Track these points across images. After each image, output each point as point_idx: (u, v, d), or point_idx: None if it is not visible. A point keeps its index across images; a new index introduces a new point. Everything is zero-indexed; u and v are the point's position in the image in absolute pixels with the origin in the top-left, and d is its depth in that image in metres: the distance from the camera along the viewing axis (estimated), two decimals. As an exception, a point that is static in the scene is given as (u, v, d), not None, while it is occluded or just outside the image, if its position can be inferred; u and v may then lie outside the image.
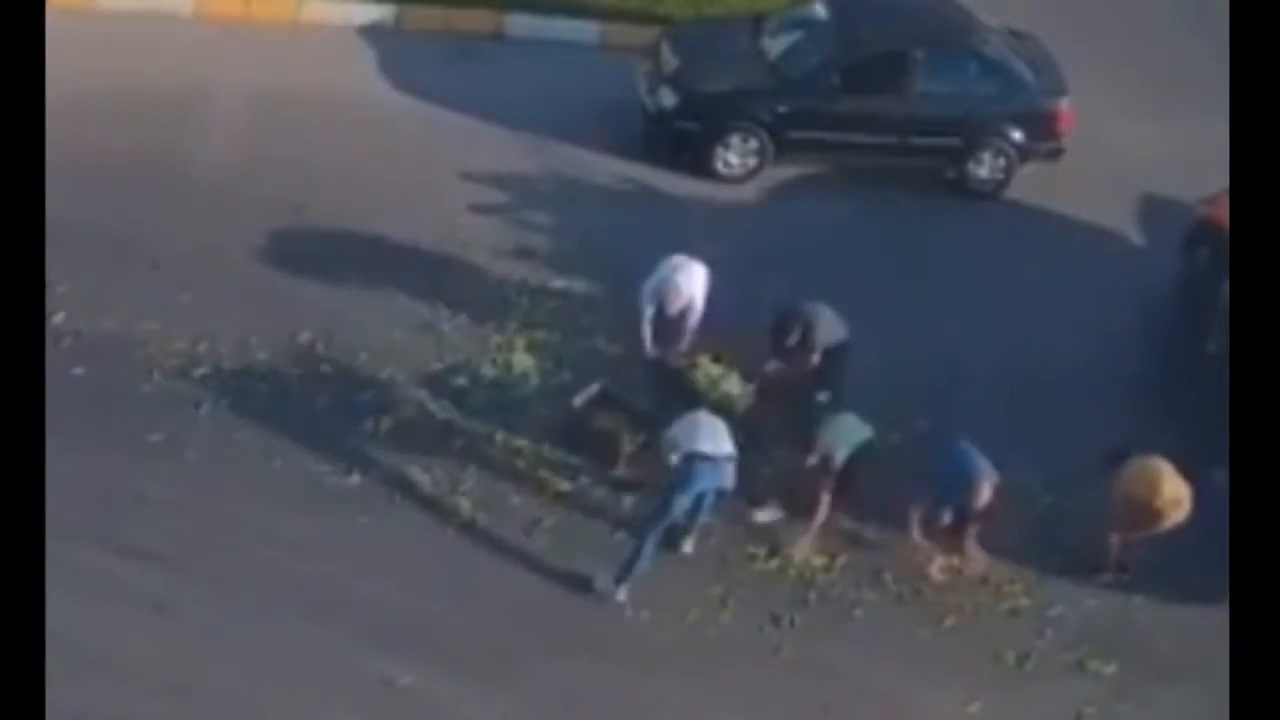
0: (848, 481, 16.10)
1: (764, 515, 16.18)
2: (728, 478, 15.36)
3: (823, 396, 16.68)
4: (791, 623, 15.44)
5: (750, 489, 16.17)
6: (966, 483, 15.70)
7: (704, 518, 15.66)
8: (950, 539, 16.04)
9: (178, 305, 17.15)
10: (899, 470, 16.02)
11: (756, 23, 21.12)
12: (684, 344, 17.13)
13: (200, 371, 16.61)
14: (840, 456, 15.91)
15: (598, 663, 14.80)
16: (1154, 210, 20.65)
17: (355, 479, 15.91)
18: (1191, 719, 15.26)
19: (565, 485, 16.21)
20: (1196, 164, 19.54)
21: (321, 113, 19.94)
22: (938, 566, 16.02)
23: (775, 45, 20.67)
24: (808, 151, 20.46)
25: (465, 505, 15.84)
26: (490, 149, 20.00)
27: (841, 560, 16.02)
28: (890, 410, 16.73)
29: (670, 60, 20.43)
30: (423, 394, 16.80)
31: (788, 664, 15.11)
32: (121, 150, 18.77)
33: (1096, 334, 18.76)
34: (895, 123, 20.34)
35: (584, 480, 16.27)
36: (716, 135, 20.13)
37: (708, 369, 16.97)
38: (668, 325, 17.08)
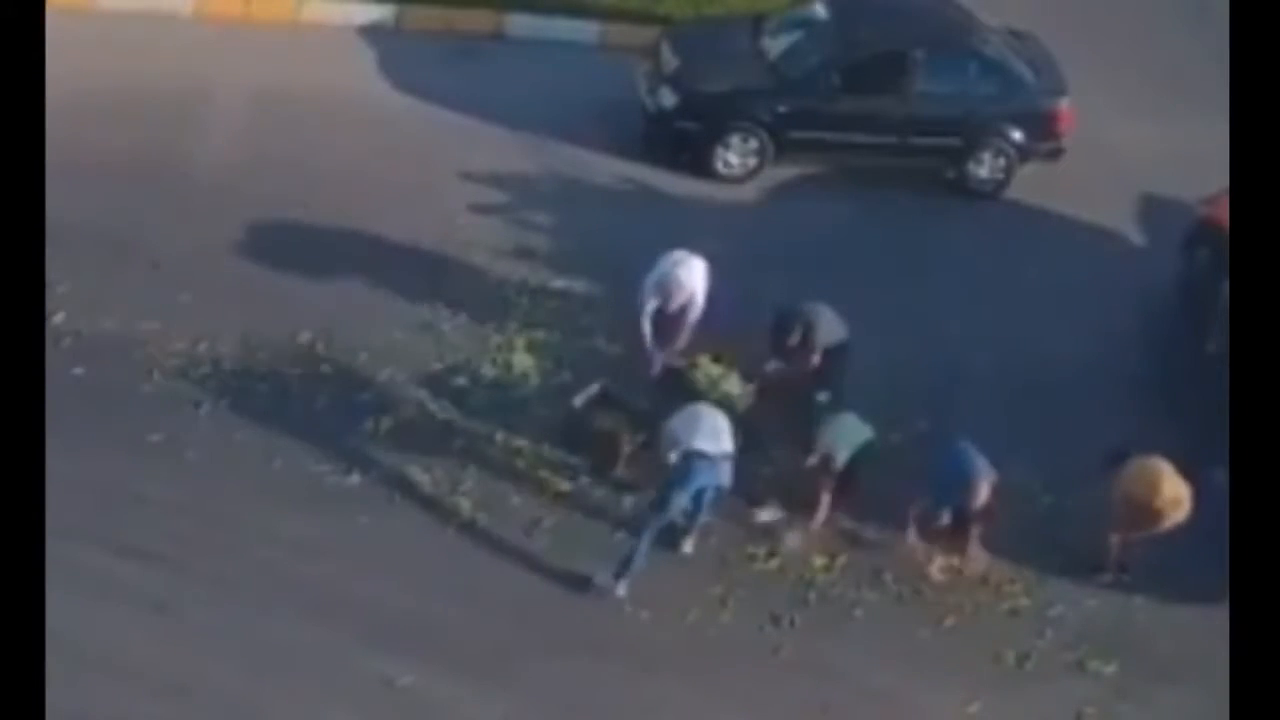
0: (848, 482, 16.12)
1: (764, 515, 16.18)
2: (725, 476, 15.38)
3: (823, 396, 16.68)
4: (791, 623, 15.44)
5: (750, 489, 16.20)
6: (964, 483, 15.70)
7: (704, 517, 15.67)
8: (950, 539, 16.04)
9: (178, 305, 17.15)
10: (899, 470, 16.03)
11: (756, 23, 21.12)
12: (683, 339, 17.12)
13: (200, 371, 16.61)
14: (841, 457, 15.92)
15: (598, 663, 14.80)
16: (1154, 210, 20.65)
17: (355, 479, 15.91)
18: (1191, 719, 15.27)
19: (565, 485, 16.21)
20: (1196, 164, 19.53)
21: (321, 113, 19.94)
22: (938, 566, 16.03)
23: (775, 45, 20.67)
24: (808, 151, 20.46)
25: (465, 505, 15.84)
26: (490, 149, 20.00)
27: (841, 560, 16.03)
28: (890, 410, 16.73)
29: (670, 60, 20.43)
30: (423, 394, 16.80)
31: (788, 664, 15.11)
32: (121, 150, 18.77)
33: (1096, 334, 18.76)
34: (895, 123, 20.34)
35: (584, 480, 16.28)
36: (716, 135, 20.13)
37: (708, 369, 16.97)
38: (668, 321, 17.06)
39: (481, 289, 18.07)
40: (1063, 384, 18.09)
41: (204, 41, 20.61)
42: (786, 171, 20.44)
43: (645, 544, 15.24)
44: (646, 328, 16.99)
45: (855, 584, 15.87)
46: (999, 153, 20.68)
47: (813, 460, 15.91)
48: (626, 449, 16.30)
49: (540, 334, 17.63)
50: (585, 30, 22.08)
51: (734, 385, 16.86)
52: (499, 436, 16.52)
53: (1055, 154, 20.84)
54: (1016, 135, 20.61)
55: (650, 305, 16.95)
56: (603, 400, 16.67)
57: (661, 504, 15.31)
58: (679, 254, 17.05)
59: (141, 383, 16.41)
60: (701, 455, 15.21)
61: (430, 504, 15.83)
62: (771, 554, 15.92)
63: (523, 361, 17.30)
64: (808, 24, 20.83)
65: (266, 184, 18.77)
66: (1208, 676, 14.99)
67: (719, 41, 21.07)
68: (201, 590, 14.65)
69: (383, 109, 20.36)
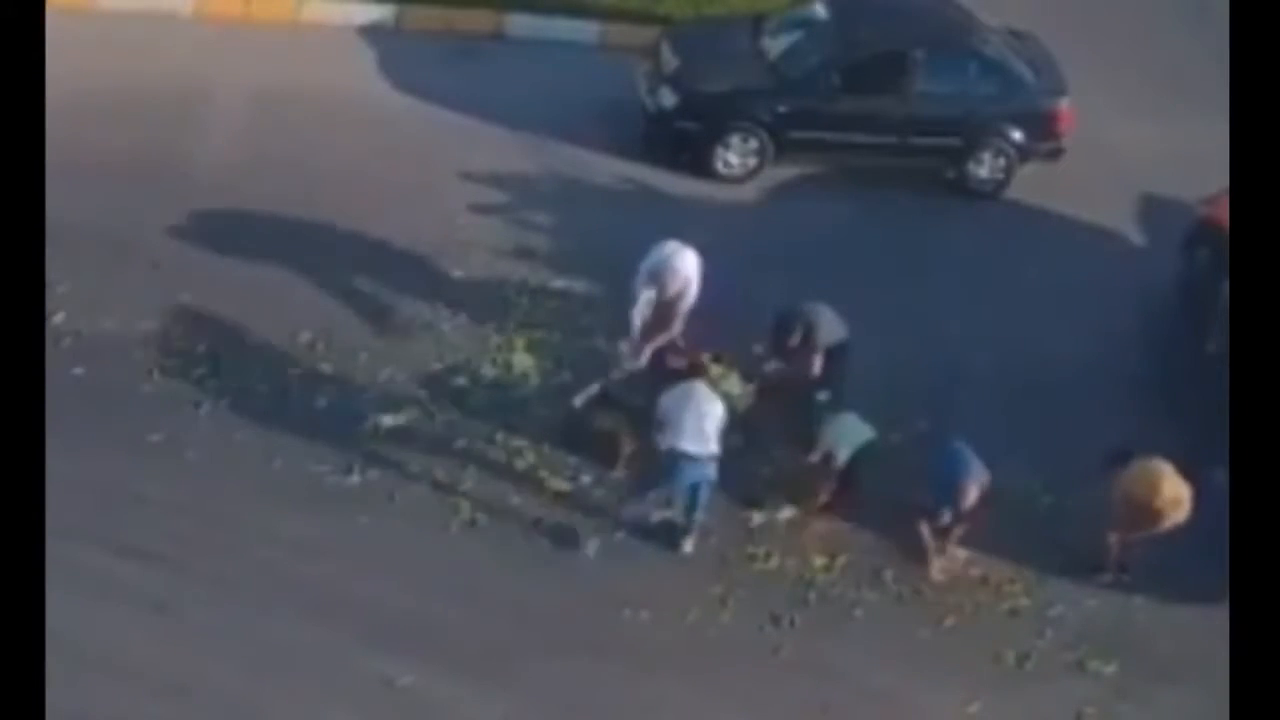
0: (849, 481, 16.12)
1: (764, 515, 16.18)
2: (711, 474, 15.39)
3: (823, 396, 16.68)
4: (791, 623, 15.44)
5: (750, 489, 16.20)
6: (953, 483, 15.70)
7: (702, 516, 15.67)
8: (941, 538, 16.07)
9: (178, 305, 17.16)
10: (899, 470, 16.03)
11: (756, 23, 21.12)
12: (677, 327, 17.08)
13: (200, 371, 16.61)
14: (842, 456, 15.93)
15: (598, 663, 14.80)
16: (1154, 210, 20.65)
17: (355, 479, 15.91)
18: (1191, 719, 15.26)
19: (565, 485, 16.21)
20: (1196, 164, 19.53)
21: (321, 113, 19.94)
22: (938, 567, 16.02)
23: (775, 45, 20.67)
24: (808, 151, 20.46)
25: (465, 505, 15.85)
26: (490, 149, 20.00)
27: (841, 560, 16.03)
28: (890, 410, 16.72)
29: (670, 60, 20.43)
30: (423, 394, 16.80)
31: (788, 664, 15.11)
32: (121, 150, 18.77)
33: (1096, 334, 18.76)
34: (895, 123, 20.34)
35: (584, 480, 16.28)
36: (716, 135, 20.13)
37: (708, 369, 16.95)
38: (661, 309, 16.99)
39: (481, 289, 18.07)
40: (1063, 384, 18.09)
41: (204, 41, 20.61)
42: (786, 171, 20.44)
43: (648, 506, 15.44)
44: (636, 319, 16.91)
45: (855, 584, 15.87)
46: (999, 153, 20.68)
47: (814, 458, 15.92)
48: (626, 449, 16.30)
49: (540, 334, 17.63)
50: (585, 30, 22.07)
51: (734, 385, 16.85)
52: (499, 436, 16.51)
53: (1055, 154, 20.84)
54: (1016, 135, 20.61)
55: (644, 294, 16.91)
56: (603, 400, 16.67)
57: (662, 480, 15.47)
58: (672, 244, 17.03)
59: (141, 383, 16.41)
60: (686, 456, 15.23)
61: (430, 504, 15.83)
62: (771, 554, 15.92)
63: (523, 361, 17.30)
64: (808, 24, 20.83)
65: (266, 184, 18.77)
66: (1208, 676, 14.99)
67: (719, 41, 21.07)
68: (201, 590, 14.65)
69: (383, 109, 20.36)
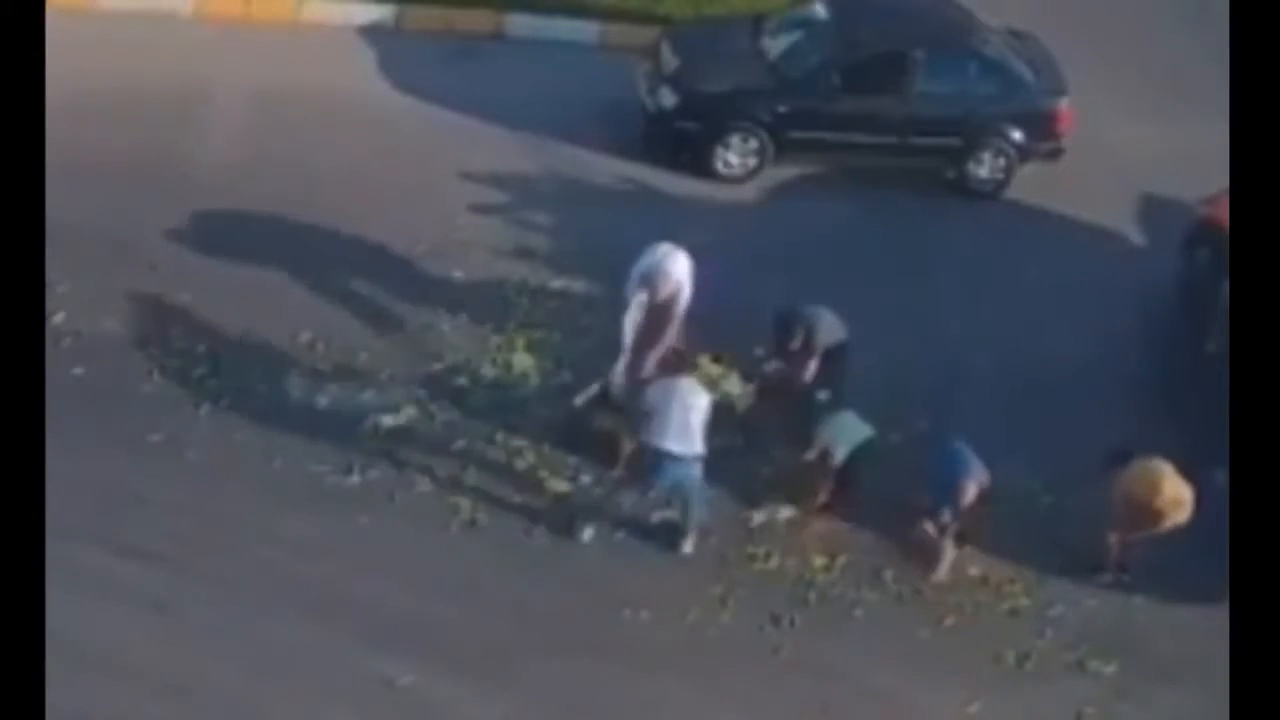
0: (848, 481, 16.12)
1: (764, 515, 16.18)
2: (696, 473, 15.40)
3: (823, 395, 16.68)
4: (791, 623, 15.44)
5: (750, 489, 16.19)
6: (953, 482, 15.70)
7: (701, 516, 15.67)
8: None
9: (178, 305, 17.16)
10: (899, 470, 16.03)
11: (756, 23, 21.13)
12: (673, 332, 17.03)
13: (200, 371, 16.61)
14: (840, 454, 15.93)
15: (598, 663, 14.80)
16: (1154, 210, 20.65)
17: (355, 479, 15.91)
18: (1191, 719, 15.26)
19: (565, 485, 16.21)
20: (1196, 164, 19.54)
21: (321, 113, 19.94)
22: (943, 568, 16.01)
23: (775, 45, 20.68)
24: (808, 151, 20.46)
25: (465, 505, 15.84)
26: (490, 149, 20.00)
27: (841, 560, 16.02)
28: (890, 410, 16.72)
29: (670, 60, 20.44)
30: (423, 394, 16.80)
31: (788, 664, 15.11)
32: (121, 150, 18.77)
33: (1096, 334, 18.76)
34: (895, 123, 20.35)
35: (584, 480, 16.28)
36: (716, 135, 20.14)
37: (708, 369, 16.95)
38: (654, 314, 16.91)
39: (481, 289, 18.07)
40: (1063, 384, 18.09)
41: (204, 41, 20.61)
42: (786, 171, 20.45)
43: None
44: (628, 325, 16.71)
45: (855, 584, 15.86)
46: (999, 153, 20.69)
47: (811, 454, 15.92)
48: (626, 449, 16.29)
49: (540, 334, 17.62)
50: (585, 30, 22.08)
51: (734, 385, 16.85)
52: (499, 436, 16.51)
53: (1055, 154, 20.85)
54: (1016, 135, 20.62)
55: (637, 298, 16.84)
56: (603, 400, 16.67)
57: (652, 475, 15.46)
58: (665, 246, 16.94)
59: (141, 383, 16.41)
60: (669, 455, 15.23)
61: (430, 504, 15.83)
62: (771, 554, 15.92)
63: (523, 361, 17.29)
64: (808, 24, 20.84)
65: (266, 184, 18.77)
66: (1208, 676, 14.99)
67: (719, 41, 21.08)
68: (201, 590, 14.64)
69: (383, 109, 20.36)
